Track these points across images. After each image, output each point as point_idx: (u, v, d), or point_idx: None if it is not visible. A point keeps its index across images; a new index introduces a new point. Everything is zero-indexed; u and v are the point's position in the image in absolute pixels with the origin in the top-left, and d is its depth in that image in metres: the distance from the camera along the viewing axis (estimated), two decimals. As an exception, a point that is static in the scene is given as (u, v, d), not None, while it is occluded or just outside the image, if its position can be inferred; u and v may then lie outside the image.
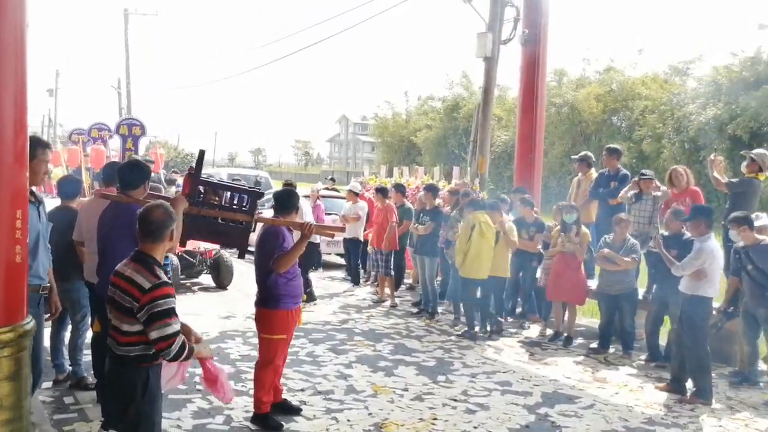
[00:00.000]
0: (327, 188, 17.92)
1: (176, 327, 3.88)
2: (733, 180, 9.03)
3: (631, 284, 8.95)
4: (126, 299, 3.88)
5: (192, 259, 12.20)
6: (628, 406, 7.07)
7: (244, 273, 12.26)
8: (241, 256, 5.92)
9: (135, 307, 3.85)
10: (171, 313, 3.86)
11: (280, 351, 6.03)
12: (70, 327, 7.07)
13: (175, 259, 11.20)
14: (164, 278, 3.93)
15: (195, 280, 12.86)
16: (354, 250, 13.50)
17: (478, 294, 9.69)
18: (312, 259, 11.83)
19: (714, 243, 7.37)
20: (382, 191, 12.07)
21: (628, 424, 6.56)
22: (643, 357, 8.78)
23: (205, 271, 12.67)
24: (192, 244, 11.32)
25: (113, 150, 19.78)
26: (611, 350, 9.06)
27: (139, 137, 18.51)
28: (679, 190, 9.35)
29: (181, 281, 12.03)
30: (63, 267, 6.43)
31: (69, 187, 7.21)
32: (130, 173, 5.54)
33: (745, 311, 7.81)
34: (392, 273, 11.71)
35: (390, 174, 18.15)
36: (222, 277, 12.66)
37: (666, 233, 8.39)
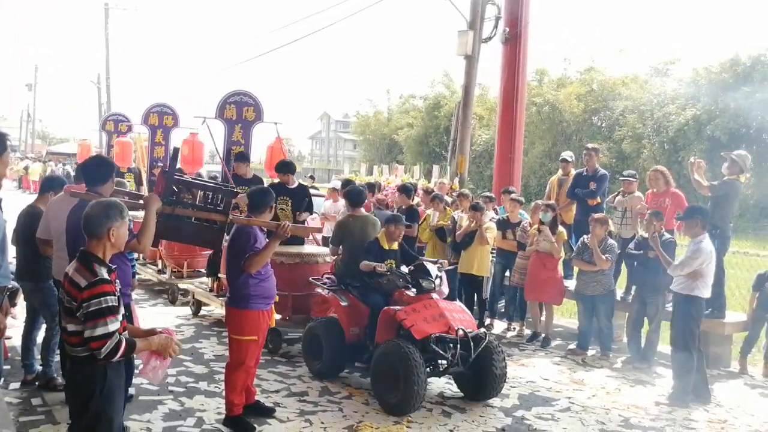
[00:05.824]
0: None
1: (111, 327, 3.68)
2: (715, 183, 8.78)
3: (608, 285, 8.85)
4: (67, 299, 3.76)
5: (442, 351, 6.57)
6: (605, 408, 7.02)
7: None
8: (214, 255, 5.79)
9: (74, 306, 3.71)
10: (105, 312, 3.67)
11: (251, 352, 5.90)
12: (42, 327, 6.92)
13: (416, 355, 6.31)
14: (103, 276, 3.75)
15: (434, 383, 7.35)
16: (332, 249, 13.27)
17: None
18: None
19: (710, 244, 7.36)
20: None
21: (605, 427, 6.51)
22: (622, 359, 8.74)
23: (456, 365, 6.66)
24: (441, 324, 6.60)
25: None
26: (590, 352, 9.01)
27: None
28: (658, 191, 9.29)
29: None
30: (32, 266, 6.31)
31: (51, 183, 6.98)
32: (94, 169, 5.42)
33: None
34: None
35: (370, 172, 18.06)
36: (483, 384, 6.85)
37: (645, 234, 8.35)
